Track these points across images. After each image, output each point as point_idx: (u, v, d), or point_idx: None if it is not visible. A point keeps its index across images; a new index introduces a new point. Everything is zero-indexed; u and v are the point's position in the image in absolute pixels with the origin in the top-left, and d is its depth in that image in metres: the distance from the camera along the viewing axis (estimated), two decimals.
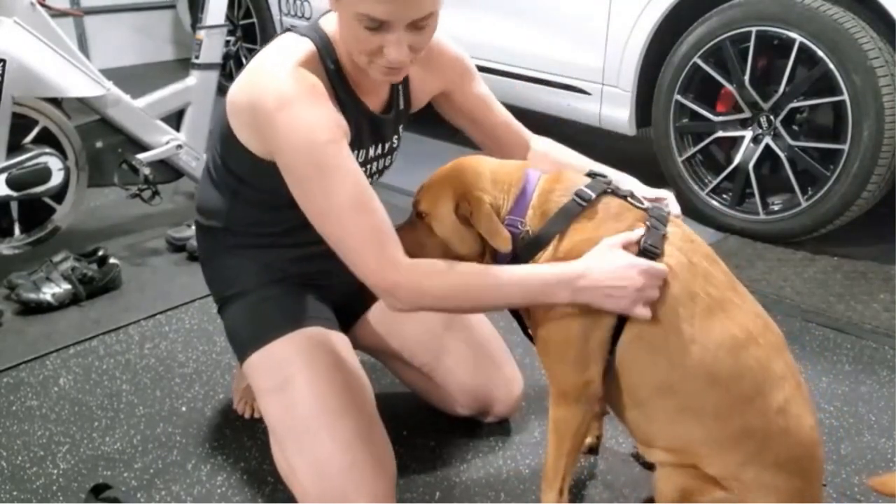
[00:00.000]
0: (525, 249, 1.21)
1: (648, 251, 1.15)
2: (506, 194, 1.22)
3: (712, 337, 1.15)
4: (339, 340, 1.42)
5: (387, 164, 1.50)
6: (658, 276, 1.13)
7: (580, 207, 1.19)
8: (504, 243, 1.19)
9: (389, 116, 1.40)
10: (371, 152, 1.41)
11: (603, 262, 1.14)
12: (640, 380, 1.20)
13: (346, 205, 1.17)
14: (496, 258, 1.24)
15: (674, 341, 1.15)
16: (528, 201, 1.22)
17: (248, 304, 1.43)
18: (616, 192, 1.22)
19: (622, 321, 1.17)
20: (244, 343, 1.42)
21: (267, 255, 1.44)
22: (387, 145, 1.44)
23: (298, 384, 1.32)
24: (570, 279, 1.14)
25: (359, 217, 1.17)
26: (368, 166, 1.42)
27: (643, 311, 1.13)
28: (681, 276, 1.16)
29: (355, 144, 1.32)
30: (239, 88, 1.28)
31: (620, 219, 1.19)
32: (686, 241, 1.20)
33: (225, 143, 1.36)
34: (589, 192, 1.20)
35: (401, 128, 1.47)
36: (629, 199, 1.22)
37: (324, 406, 1.29)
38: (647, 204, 1.22)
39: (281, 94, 1.18)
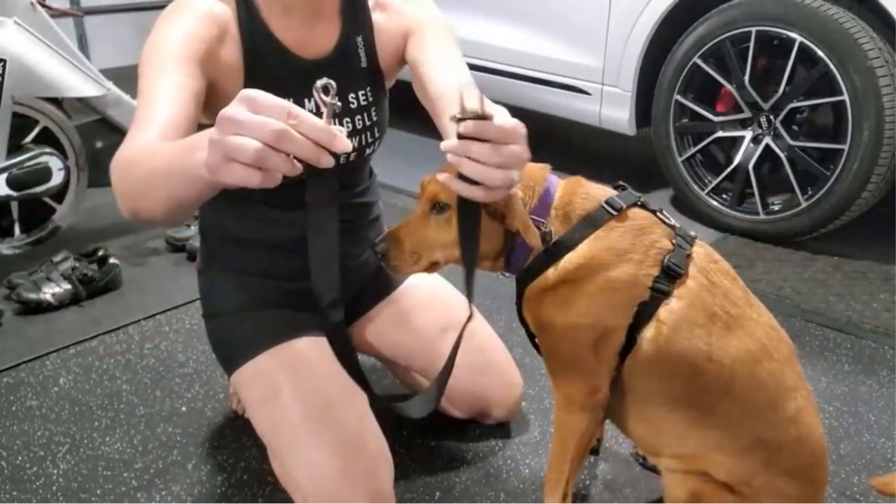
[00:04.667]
0: (546, 253, 1.18)
1: (672, 270, 1.14)
2: (531, 191, 1.19)
3: (729, 353, 1.14)
4: (327, 346, 1.42)
5: (350, 127, 1.34)
6: (229, 123, 0.76)
7: (609, 216, 1.17)
8: (536, 240, 1.14)
9: (330, 62, 1.29)
10: (310, 107, 1.25)
11: None
12: (650, 397, 1.20)
13: (141, 91, 1.11)
14: (510, 261, 1.22)
15: (690, 362, 1.15)
16: (551, 202, 1.19)
17: (235, 320, 1.43)
18: (645, 206, 1.21)
19: (632, 339, 1.16)
20: (230, 359, 1.42)
21: (257, 285, 1.44)
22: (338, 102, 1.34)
23: (285, 395, 1.31)
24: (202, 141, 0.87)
25: (139, 103, 1.10)
26: None
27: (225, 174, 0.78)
28: (701, 298, 1.15)
29: (271, 92, 1.27)
30: None
31: (647, 232, 1.17)
32: (709, 262, 1.19)
33: None
34: (619, 201, 1.18)
35: (369, 90, 1.36)
36: (658, 214, 1.21)
37: (311, 413, 1.29)
38: (673, 221, 1.21)
39: (168, 11, 1.20)
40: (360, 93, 1.36)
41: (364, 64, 1.35)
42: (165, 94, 1.09)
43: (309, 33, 1.29)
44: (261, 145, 0.74)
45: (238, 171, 0.75)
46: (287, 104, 0.76)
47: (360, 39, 1.34)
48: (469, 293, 1.08)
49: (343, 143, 0.78)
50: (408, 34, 1.34)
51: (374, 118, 1.39)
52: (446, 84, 1.23)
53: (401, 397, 1.63)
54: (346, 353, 0.99)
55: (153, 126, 1.04)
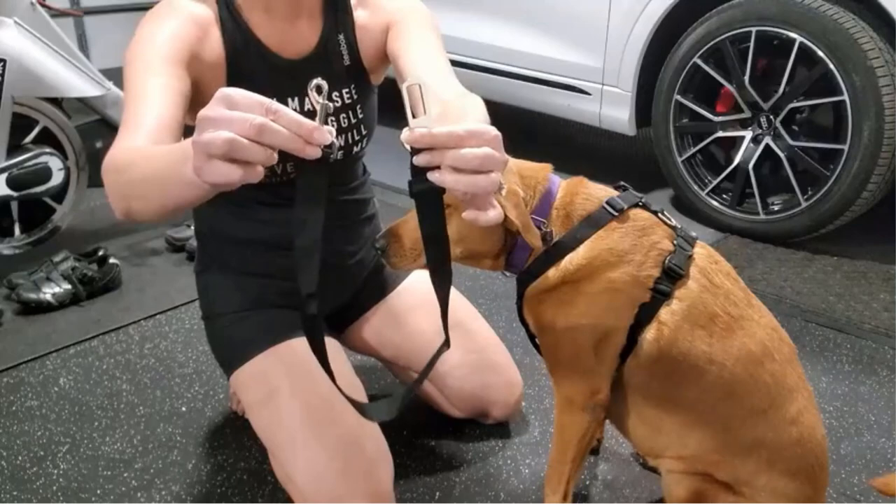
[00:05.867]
0: (546, 253, 1.18)
1: (673, 271, 1.14)
2: (532, 191, 1.19)
3: (730, 354, 1.15)
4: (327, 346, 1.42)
5: (336, 126, 1.34)
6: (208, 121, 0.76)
7: (610, 217, 1.17)
8: (536, 240, 1.14)
9: (311, 61, 1.30)
10: (293, 105, 1.29)
11: None
12: (650, 398, 1.20)
13: (129, 92, 1.11)
14: (511, 260, 1.22)
15: (691, 363, 1.15)
16: (552, 202, 1.19)
17: (230, 323, 1.43)
18: (647, 207, 1.21)
19: (632, 340, 1.16)
20: (229, 359, 1.42)
21: (254, 285, 1.43)
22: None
23: (283, 395, 1.31)
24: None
25: (127, 105, 1.09)
26: None
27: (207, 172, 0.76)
28: (702, 299, 1.15)
29: (252, 89, 1.25)
30: None
31: (648, 233, 1.17)
32: (710, 263, 1.19)
33: None
34: (620, 202, 1.18)
35: (353, 88, 1.36)
36: (659, 215, 1.20)
37: (309, 414, 1.29)
38: (675, 222, 1.21)
39: (152, 12, 1.20)
40: (344, 91, 1.36)
41: (347, 62, 1.35)
42: (153, 95, 1.09)
43: (290, 33, 1.29)
44: (232, 134, 0.73)
45: (219, 168, 0.75)
46: (264, 100, 0.76)
47: (342, 38, 1.34)
48: (444, 317, 1.00)
49: (322, 135, 0.78)
50: (388, 27, 1.34)
51: (360, 116, 1.39)
52: (422, 74, 1.17)
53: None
54: (319, 345, 0.99)
55: (143, 128, 1.04)
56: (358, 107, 1.38)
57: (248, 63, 1.27)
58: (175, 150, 0.90)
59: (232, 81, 1.25)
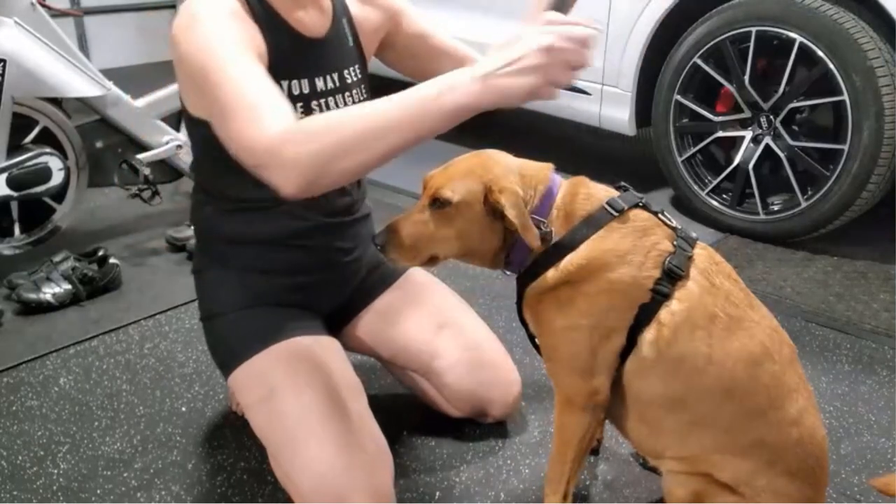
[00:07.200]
0: (546, 253, 1.18)
1: (673, 272, 1.14)
2: (533, 190, 1.19)
3: (730, 355, 1.14)
4: (324, 344, 1.42)
5: (352, 101, 1.42)
6: (562, 46, 1.03)
7: (610, 217, 1.17)
8: (534, 239, 1.14)
9: (329, 41, 1.39)
10: (320, 84, 1.38)
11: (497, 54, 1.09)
12: (650, 398, 1.19)
13: (223, 84, 1.10)
14: (509, 258, 1.22)
15: (690, 363, 1.15)
16: (553, 202, 1.19)
17: (230, 322, 1.43)
18: (647, 208, 1.21)
19: (633, 340, 1.16)
20: (227, 360, 1.42)
21: (254, 281, 1.44)
22: (336, 77, 1.40)
23: (282, 394, 1.32)
24: (455, 82, 1.00)
25: (231, 90, 1.09)
26: (324, 101, 1.38)
27: (546, 92, 1.01)
28: (702, 300, 1.15)
29: (288, 73, 1.32)
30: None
31: (648, 233, 1.17)
32: (711, 263, 1.19)
33: (189, 129, 1.42)
34: (621, 203, 1.18)
35: (357, 67, 1.44)
36: (660, 215, 1.20)
37: (309, 413, 1.29)
38: (675, 223, 1.21)
39: (191, 15, 1.21)
40: (352, 69, 1.44)
41: (350, 43, 1.44)
42: (251, 73, 1.12)
43: (308, 15, 1.37)
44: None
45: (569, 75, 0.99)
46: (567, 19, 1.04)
47: (345, 21, 1.43)
48: None
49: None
50: (395, 15, 1.49)
51: (364, 96, 1.46)
52: (458, 44, 1.52)
53: None
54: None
55: (267, 106, 1.05)
56: (362, 86, 1.46)
57: (283, 44, 1.32)
58: (412, 96, 0.99)
59: (272, 62, 1.26)
